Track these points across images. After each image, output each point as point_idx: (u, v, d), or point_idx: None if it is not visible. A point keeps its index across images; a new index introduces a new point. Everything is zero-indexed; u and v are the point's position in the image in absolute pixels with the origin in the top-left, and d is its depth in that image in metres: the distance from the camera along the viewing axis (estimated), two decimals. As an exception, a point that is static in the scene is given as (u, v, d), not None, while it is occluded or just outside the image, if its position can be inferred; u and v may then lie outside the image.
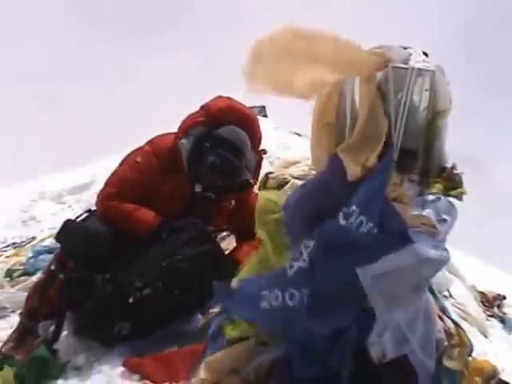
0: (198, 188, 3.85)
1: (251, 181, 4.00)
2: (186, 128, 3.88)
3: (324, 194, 2.71)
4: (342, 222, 2.50)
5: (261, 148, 4.12)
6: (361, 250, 2.43)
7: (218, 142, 3.79)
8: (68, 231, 3.75)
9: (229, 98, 4.01)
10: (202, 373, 2.84)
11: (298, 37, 2.59)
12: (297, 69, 2.63)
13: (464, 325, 3.36)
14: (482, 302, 4.52)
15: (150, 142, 3.94)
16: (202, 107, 3.96)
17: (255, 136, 3.99)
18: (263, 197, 3.10)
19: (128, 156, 3.95)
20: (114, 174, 3.93)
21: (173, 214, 3.76)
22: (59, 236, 3.83)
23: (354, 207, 2.47)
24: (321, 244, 2.53)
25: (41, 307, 3.74)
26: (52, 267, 3.82)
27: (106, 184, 3.92)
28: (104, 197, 3.87)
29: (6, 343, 3.76)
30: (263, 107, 13.61)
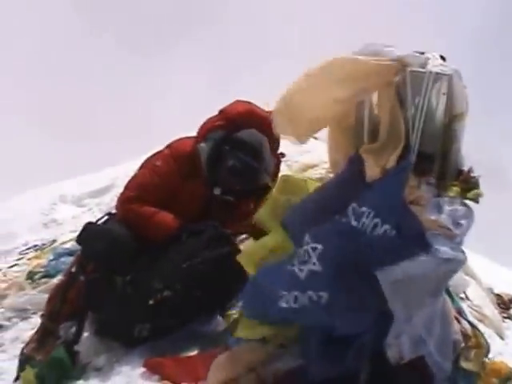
0: (216, 191, 3.84)
1: (270, 184, 3.96)
2: (205, 132, 3.89)
3: (332, 193, 2.73)
4: (354, 222, 2.51)
5: (279, 152, 4.11)
6: (378, 252, 2.44)
7: (237, 145, 3.79)
8: (89, 234, 3.77)
9: (248, 102, 4.00)
10: (220, 369, 2.87)
11: (314, 71, 2.67)
12: (319, 98, 2.67)
13: (480, 327, 3.37)
14: (498, 304, 4.51)
15: (169, 146, 3.95)
16: (221, 111, 3.95)
17: (274, 139, 3.95)
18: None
19: (148, 160, 3.97)
20: (134, 177, 3.96)
21: (192, 216, 3.77)
22: (80, 238, 3.85)
23: (365, 208, 2.47)
24: (333, 249, 2.54)
25: (62, 309, 3.75)
26: (73, 269, 3.84)
27: (126, 187, 3.94)
28: (124, 200, 3.89)
29: (27, 344, 3.80)
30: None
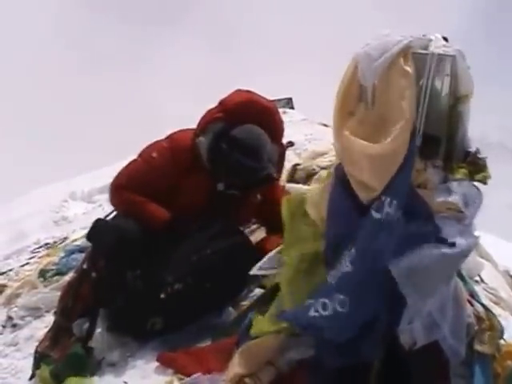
0: (220, 187, 3.80)
1: (274, 174, 3.90)
2: (204, 124, 3.83)
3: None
4: (376, 215, 2.46)
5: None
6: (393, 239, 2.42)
7: (234, 145, 3.70)
8: (98, 230, 3.77)
9: (248, 92, 3.94)
10: (238, 364, 2.87)
11: None
12: None
13: (496, 309, 3.35)
14: (514, 286, 4.48)
15: (169, 138, 3.90)
16: (221, 102, 3.89)
17: (277, 128, 3.92)
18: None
19: (146, 148, 3.92)
20: (128, 165, 3.92)
21: (197, 209, 3.73)
22: (90, 235, 3.86)
23: (383, 197, 2.45)
24: (366, 250, 2.50)
25: (75, 306, 3.75)
26: (84, 266, 3.84)
27: (119, 174, 3.91)
28: (115, 187, 3.88)
29: (41, 342, 3.81)
30: (290, 99, 13.51)
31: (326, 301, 2.55)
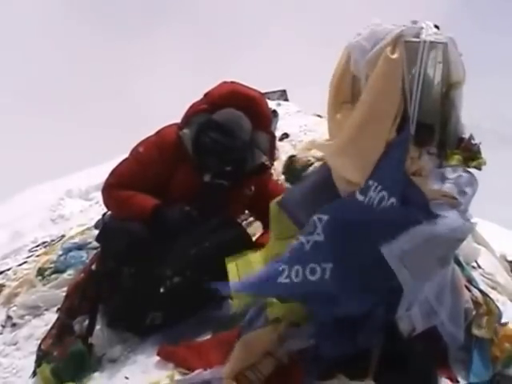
0: (206, 178, 3.78)
1: (266, 163, 3.93)
2: (188, 117, 3.83)
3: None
4: (360, 197, 2.50)
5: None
6: (384, 226, 2.43)
7: (209, 126, 3.73)
8: (109, 232, 3.79)
9: (233, 83, 3.93)
10: (237, 356, 2.88)
11: None
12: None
13: (493, 294, 3.37)
14: (511, 271, 4.50)
15: (157, 133, 3.91)
16: (206, 94, 3.90)
17: (264, 117, 3.91)
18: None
19: (136, 146, 3.92)
20: (118, 164, 3.93)
21: (188, 203, 3.72)
22: (100, 237, 3.90)
23: (370, 182, 2.47)
24: (338, 220, 2.53)
25: (81, 306, 3.76)
26: (93, 267, 3.85)
27: (109, 174, 3.92)
28: (105, 187, 3.89)
29: (44, 339, 3.81)
30: (284, 91, 13.55)
31: (299, 268, 2.59)
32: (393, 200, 2.41)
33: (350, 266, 2.50)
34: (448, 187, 2.50)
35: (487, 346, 2.84)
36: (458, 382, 2.76)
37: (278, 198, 3.14)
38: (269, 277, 2.68)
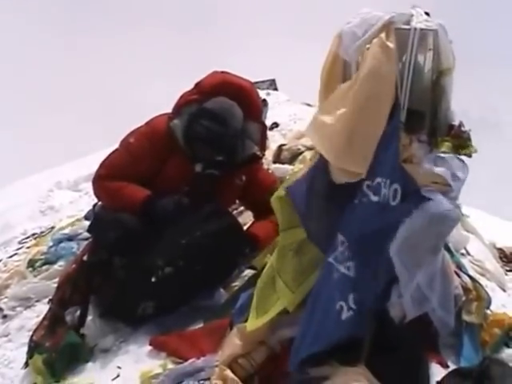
0: (198, 168, 3.78)
1: (258, 153, 3.94)
2: (179, 107, 3.84)
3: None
4: (374, 198, 2.49)
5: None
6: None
7: (201, 114, 3.74)
8: (101, 223, 3.80)
9: (223, 72, 3.95)
10: (232, 345, 2.89)
11: None
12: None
13: (483, 280, 3.40)
14: (500, 257, 4.52)
15: (147, 123, 3.91)
16: (196, 84, 3.90)
17: (254, 106, 3.93)
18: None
19: (126, 136, 3.93)
20: (109, 155, 3.93)
21: (180, 194, 3.74)
22: (91, 228, 3.92)
23: (379, 179, 2.48)
24: (367, 236, 2.51)
25: (72, 296, 3.75)
26: (84, 258, 3.84)
27: (100, 165, 3.92)
28: (96, 178, 3.91)
29: (36, 331, 3.81)
30: (273, 80, 13.49)
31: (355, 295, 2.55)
32: (396, 186, 2.42)
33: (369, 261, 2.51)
34: (441, 170, 2.49)
35: (477, 331, 2.87)
36: (448, 366, 2.80)
37: (285, 186, 3.10)
38: (331, 321, 2.60)
